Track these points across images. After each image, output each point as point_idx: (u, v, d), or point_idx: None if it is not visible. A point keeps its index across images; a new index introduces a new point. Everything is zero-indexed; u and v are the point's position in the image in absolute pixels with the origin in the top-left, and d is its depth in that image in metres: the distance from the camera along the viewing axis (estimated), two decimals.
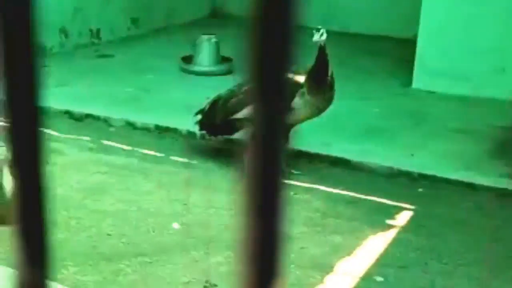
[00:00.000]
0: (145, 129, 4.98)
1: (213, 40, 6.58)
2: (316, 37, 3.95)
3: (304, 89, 3.99)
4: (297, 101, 4.00)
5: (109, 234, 3.41)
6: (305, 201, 3.96)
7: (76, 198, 3.84)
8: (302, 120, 4.15)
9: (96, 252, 3.26)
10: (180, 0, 8.68)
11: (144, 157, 4.50)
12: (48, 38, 6.62)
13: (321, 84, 4.02)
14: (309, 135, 4.55)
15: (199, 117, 4.45)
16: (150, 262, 3.20)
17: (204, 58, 6.50)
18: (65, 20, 6.89)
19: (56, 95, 5.33)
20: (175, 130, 4.91)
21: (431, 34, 5.99)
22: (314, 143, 4.56)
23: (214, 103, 4.36)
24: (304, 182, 4.17)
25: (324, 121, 4.40)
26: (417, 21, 6.12)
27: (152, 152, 4.57)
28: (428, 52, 6.05)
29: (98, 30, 7.35)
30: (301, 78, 4.00)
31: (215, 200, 3.82)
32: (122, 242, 3.37)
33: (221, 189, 3.91)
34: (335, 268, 3.23)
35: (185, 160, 4.48)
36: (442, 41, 6.00)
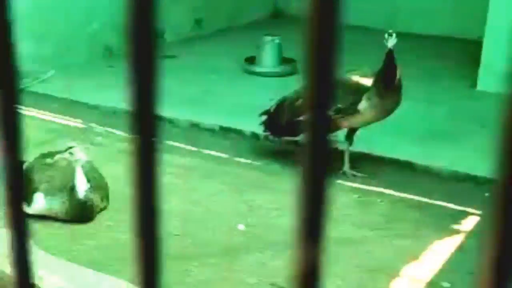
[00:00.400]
0: (210, 130, 5.04)
1: (276, 41, 6.61)
2: (390, 43, 3.92)
3: (371, 92, 3.98)
4: (363, 104, 3.99)
5: (176, 235, 3.46)
6: (369, 204, 3.94)
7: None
8: (368, 123, 4.14)
9: (163, 253, 3.31)
10: (243, 1, 8.74)
11: (209, 158, 4.56)
12: (114, 39, 6.76)
13: (389, 87, 4.00)
14: (374, 138, 4.53)
15: (264, 118, 4.48)
16: (217, 263, 3.24)
17: (267, 59, 6.54)
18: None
19: (122, 95, 5.43)
20: (239, 131, 4.95)
21: (498, 35, 5.88)
22: (378, 146, 4.54)
23: (280, 105, 4.39)
24: (368, 185, 4.16)
25: (389, 124, 4.37)
26: (483, 21, 6.02)
27: (216, 153, 4.63)
28: (494, 54, 5.94)
29: (162, 31, 7.45)
30: (368, 81, 3.99)
31: (280, 202, 3.84)
32: (189, 243, 3.43)
33: (285, 191, 3.93)
34: (400, 273, 3.21)
35: (249, 161, 4.51)
36: (509, 42, 5.88)
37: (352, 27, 7.77)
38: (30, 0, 5.87)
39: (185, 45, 7.55)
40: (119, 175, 4.12)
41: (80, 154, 3.58)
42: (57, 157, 3.60)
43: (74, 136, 4.72)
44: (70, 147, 3.59)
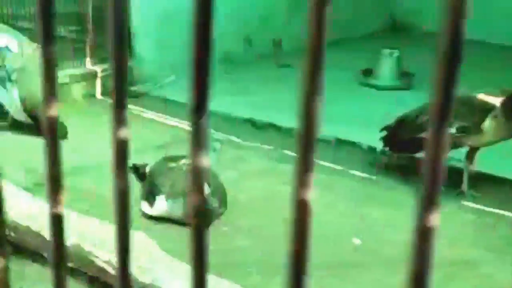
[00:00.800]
0: (324, 141, 5.04)
1: (395, 54, 6.53)
2: None
3: (497, 112, 3.86)
4: (488, 123, 3.89)
5: None
6: (488, 225, 3.84)
7: (257, 205, 3.96)
8: (491, 143, 4.02)
9: (277, 262, 3.34)
10: (360, 12, 8.69)
11: (323, 169, 4.56)
12: (232, 46, 6.87)
13: None
14: (495, 158, 4.40)
15: (384, 133, 4.44)
16: (329, 276, 3.24)
17: (385, 72, 6.47)
18: (249, 29, 7.12)
19: (239, 103, 5.53)
20: (353, 144, 4.92)
21: None
22: (500, 166, 4.40)
23: (402, 120, 4.34)
24: (488, 206, 4.04)
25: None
26: None
27: (330, 165, 4.62)
28: None
29: (280, 40, 7.53)
30: (495, 100, 3.88)
31: (395, 217, 3.79)
32: None
33: (402, 206, 3.88)
34: None
35: (365, 174, 4.49)
36: None
37: (491, 44, 7.61)
38: (154, 7, 6.07)
39: (301, 55, 7.56)
40: (236, 182, 4.21)
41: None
42: (182, 162, 3.71)
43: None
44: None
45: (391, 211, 3.90)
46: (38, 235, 3.19)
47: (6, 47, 4.82)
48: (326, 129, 5.13)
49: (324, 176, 4.43)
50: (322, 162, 4.65)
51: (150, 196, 3.76)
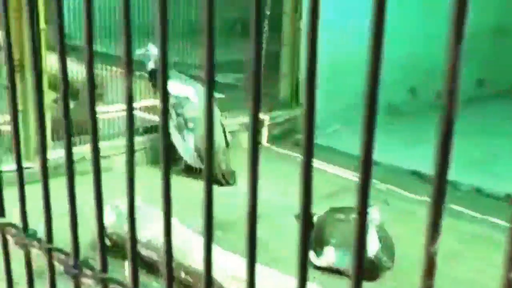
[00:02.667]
0: (494, 196, 4.90)
1: None
2: None
3: None
4: None
5: None
6: None
7: None
8: None
9: None
10: None
11: (495, 226, 4.43)
12: (397, 96, 6.86)
13: None
14: None
15: None
16: None
17: None
18: (414, 79, 7.10)
19: (404, 154, 5.50)
20: None
21: None
22: None
23: None
24: None
25: None
26: None
27: (502, 222, 4.47)
28: None
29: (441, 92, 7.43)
30: None
31: None
32: None
33: None
34: None
35: None
36: None
37: None
38: (323, 58, 6.19)
39: (467, 105, 7.42)
40: (404, 236, 4.17)
41: (376, 214, 3.68)
42: (351, 214, 3.75)
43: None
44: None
45: None
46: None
47: (187, 97, 5.11)
48: (497, 184, 4.99)
49: (497, 234, 4.27)
50: (494, 220, 4.52)
51: (317, 246, 3.82)
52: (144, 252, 3.65)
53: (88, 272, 0.87)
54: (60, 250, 0.93)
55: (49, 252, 0.94)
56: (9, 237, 0.95)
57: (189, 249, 3.41)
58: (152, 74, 5.21)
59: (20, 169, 1.00)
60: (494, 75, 8.05)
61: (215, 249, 3.37)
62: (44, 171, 0.98)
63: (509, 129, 6.47)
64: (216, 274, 3.31)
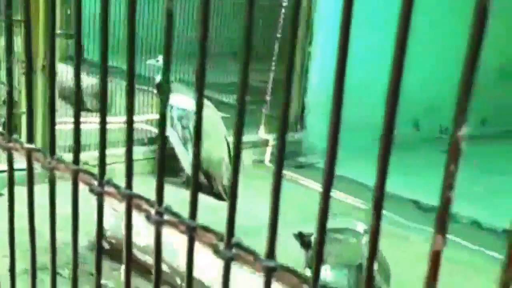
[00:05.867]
0: (492, 230, 4.94)
1: None
2: None
3: None
4: None
5: None
6: None
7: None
8: None
9: None
10: None
11: (489, 259, 4.46)
12: (401, 129, 6.91)
13: None
14: None
15: None
16: None
17: None
18: (418, 113, 7.17)
19: (404, 183, 5.54)
20: None
21: None
22: None
23: None
24: None
25: None
26: None
27: (497, 255, 4.51)
28: None
29: (447, 128, 7.50)
30: None
31: None
32: None
33: None
34: None
35: None
36: None
37: None
38: (329, 82, 6.26)
39: (468, 143, 7.47)
40: (400, 261, 4.20)
41: (364, 236, 3.72)
42: (348, 234, 3.78)
43: (357, 217, 4.89)
44: (366, 231, 3.76)
45: None
46: None
47: (193, 110, 5.17)
48: (494, 220, 5.03)
49: (491, 267, 4.33)
50: (490, 252, 4.56)
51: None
52: (141, 256, 3.67)
53: (112, 189, 0.91)
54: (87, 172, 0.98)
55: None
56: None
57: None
58: (160, 87, 5.29)
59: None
60: (497, 115, 8.12)
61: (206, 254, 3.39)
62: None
63: (509, 167, 6.52)
64: (205, 276, 3.34)
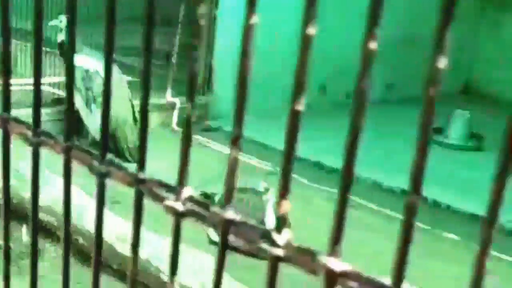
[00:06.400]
0: (391, 191, 5.11)
1: (466, 115, 6.59)
2: None
3: None
4: None
5: None
6: None
7: (320, 243, 4.03)
8: None
9: None
10: None
11: (389, 218, 4.63)
12: (308, 93, 7.01)
13: None
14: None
15: None
16: None
17: (456, 132, 6.52)
18: (325, 78, 7.28)
19: (309, 147, 5.64)
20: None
21: None
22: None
23: None
24: None
25: None
26: None
27: (396, 215, 4.68)
28: None
29: (351, 92, 7.66)
30: None
31: (457, 272, 3.82)
32: None
33: (462, 261, 3.88)
34: None
35: (428, 227, 4.53)
36: None
37: None
38: (235, 46, 6.28)
39: (374, 108, 7.66)
40: (300, 219, 4.30)
41: (272, 195, 3.79)
42: (250, 193, 3.84)
43: (262, 178, 4.96)
44: (266, 189, 3.83)
45: (451, 265, 3.93)
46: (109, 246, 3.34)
47: (96, 71, 5.08)
48: (394, 180, 5.21)
49: (390, 225, 4.49)
50: (389, 212, 4.73)
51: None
52: (42, 216, 3.62)
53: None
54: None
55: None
56: None
57: (85, 213, 3.41)
58: (62, 46, 5.21)
59: None
60: (403, 81, 8.34)
61: (108, 214, 3.37)
62: None
63: (408, 131, 6.72)
64: (107, 236, 3.33)
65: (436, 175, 5.11)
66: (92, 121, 5.10)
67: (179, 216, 0.79)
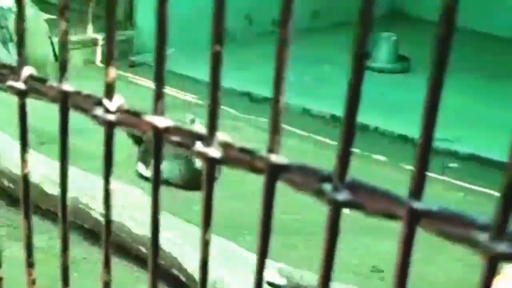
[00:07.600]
0: (320, 117, 5.13)
1: (393, 38, 6.62)
2: None
3: None
4: None
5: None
6: (475, 203, 3.93)
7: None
8: None
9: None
10: None
11: (318, 143, 4.66)
12: (233, 23, 6.91)
13: None
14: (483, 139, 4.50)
15: None
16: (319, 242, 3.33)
17: (382, 55, 6.55)
18: (250, 7, 7.17)
19: (237, 77, 5.60)
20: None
21: None
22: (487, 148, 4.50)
23: None
24: (474, 185, 4.14)
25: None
26: None
27: (326, 140, 4.71)
28: None
29: (277, 20, 7.58)
30: None
31: None
32: (294, 219, 3.55)
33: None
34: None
35: (357, 150, 4.59)
36: None
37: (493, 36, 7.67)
38: None
39: (301, 35, 7.63)
40: None
41: (199, 126, 3.75)
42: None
43: (189, 110, 4.90)
44: (193, 120, 3.78)
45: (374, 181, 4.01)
46: (36, 187, 3.26)
47: (9, 8, 4.87)
48: (323, 107, 5.23)
49: (320, 150, 4.53)
50: (319, 138, 4.77)
51: (146, 158, 3.85)
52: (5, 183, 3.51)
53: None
54: None
55: None
56: None
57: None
58: None
59: None
60: (329, 7, 8.30)
61: (33, 154, 3.28)
62: None
63: (336, 57, 6.73)
64: (34, 177, 3.25)
65: (363, 98, 5.16)
66: (11, 60, 4.90)
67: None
